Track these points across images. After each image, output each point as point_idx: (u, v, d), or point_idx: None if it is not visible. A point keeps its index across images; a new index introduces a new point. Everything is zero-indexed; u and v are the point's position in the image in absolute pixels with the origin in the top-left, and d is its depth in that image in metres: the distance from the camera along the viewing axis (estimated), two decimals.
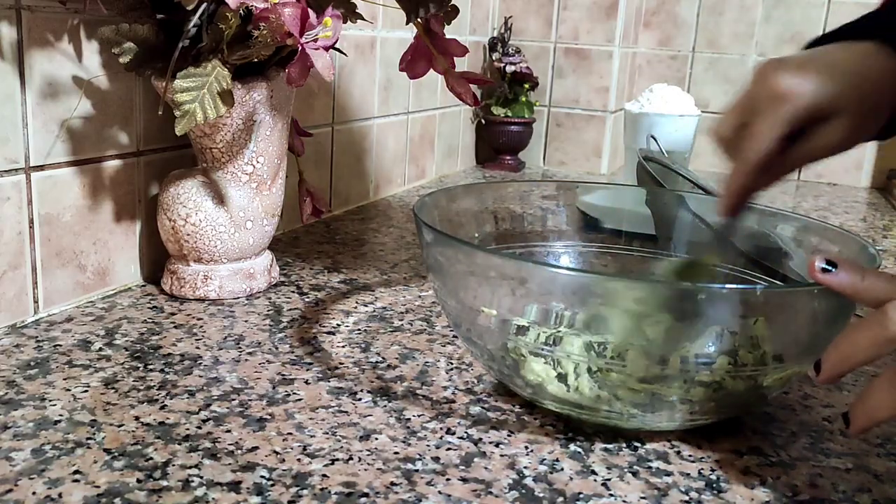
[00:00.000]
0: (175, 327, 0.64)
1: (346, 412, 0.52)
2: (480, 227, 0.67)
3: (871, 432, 0.53)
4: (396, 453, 0.47)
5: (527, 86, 1.45)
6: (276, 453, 0.46)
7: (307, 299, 0.73)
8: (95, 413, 0.49)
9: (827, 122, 0.49)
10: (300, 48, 0.60)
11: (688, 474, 0.47)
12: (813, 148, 0.50)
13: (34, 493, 0.41)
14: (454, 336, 0.66)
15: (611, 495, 0.44)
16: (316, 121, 0.98)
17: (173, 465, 0.44)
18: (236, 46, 0.62)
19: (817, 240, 0.60)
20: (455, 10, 0.66)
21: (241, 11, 0.60)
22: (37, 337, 0.60)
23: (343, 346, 0.63)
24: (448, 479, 0.44)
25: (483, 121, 1.47)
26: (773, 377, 0.49)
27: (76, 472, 0.43)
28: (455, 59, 0.67)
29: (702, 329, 0.50)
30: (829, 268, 0.43)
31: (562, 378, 0.49)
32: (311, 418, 0.50)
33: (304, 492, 0.42)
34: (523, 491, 0.44)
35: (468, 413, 0.53)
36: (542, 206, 0.72)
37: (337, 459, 0.46)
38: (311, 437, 0.48)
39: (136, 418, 0.49)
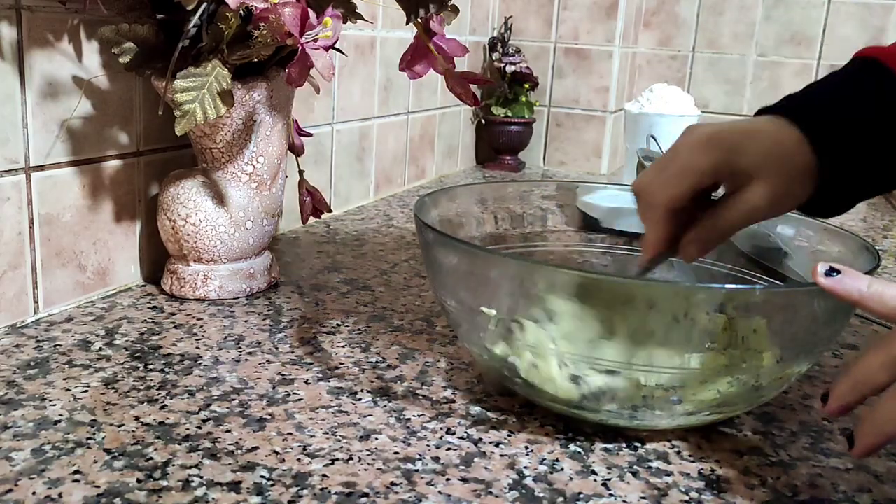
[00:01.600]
0: (175, 327, 0.64)
1: (346, 412, 0.52)
2: (480, 227, 0.67)
3: None
4: (396, 453, 0.47)
5: (527, 86, 1.45)
6: (276, 453, 0.46)
7: (307, 299, 0.73)
8: (95, 413, 0.49)
9: (747, 186, 0.50)
10: (300, 48, 0.60)
11: (688, 474, 0.47)
12: (736, 211, 0.51)
13: (34, 493, 0.41)
14: (454, 336, 0.66)
15: (611, 495, 0.44)
16: (316, 121, 0.98)
17: (173, 465, 0.44)
18: (236, 46, 0.62)
19: (817, 240, 0.60)
20: (455, 10, 0.66)
21: (241, 11, 0.60)
22: (37, 337, 0.61)
23: (343, 346, 0.63)
24: (448, 479, 0.44)
25: (483, 121, 1.47)
26: (772, 377, 0.49)
27: (76, 472, 0.43)
28: (455, 59, 0.67)
29: (701, 328, 0.50)
30: (833, 273, 0.43)
31: (562, 377, 0.49)
32: (311, 418, 0.50)
33: (304, 492, 0.42)
34: (523, 491, 0.44)
35: (468, 413, 0.53)
36: (542, 206, 0.72)
37: (337, 459, 0.46)
38: (311, 437, 0.48)
39: (136, 418, 0.49)
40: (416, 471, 0.45)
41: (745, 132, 0.51)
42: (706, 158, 0.50)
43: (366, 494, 0.42)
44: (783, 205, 0.52)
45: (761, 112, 0.54)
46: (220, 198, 0.69)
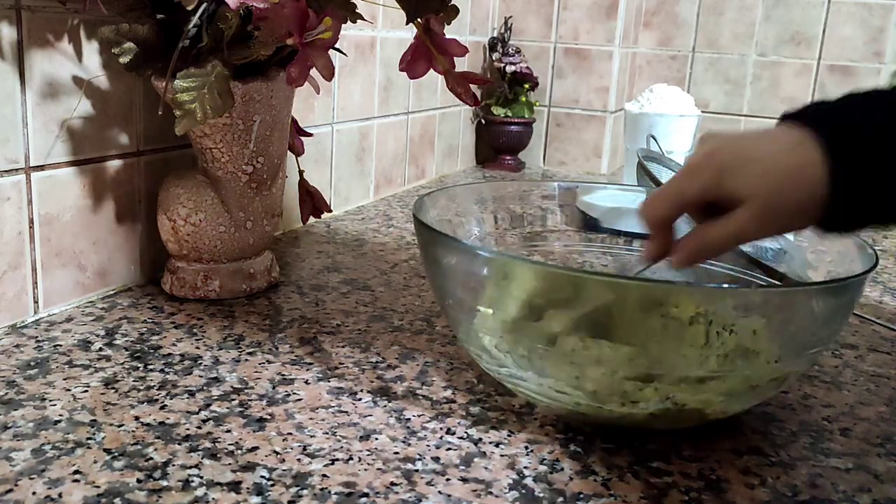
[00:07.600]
0: (175, 327, 0.64)
1: (346, 412, 0.52)
2: (480, 226, 0.67)
3: (871, 432, 0.53)
4: (396, 453, 0.47)
5: (527, 86, 1.45)
6: (276, 453, 0.46)
7: (307, 299, 0.73)
8: (95, 413, 0.49)
9: (737, 208, 0.47)
10: (300, 48, 0.60)
11: (688, 474, 0.47)
12: (723, 230, 0.48)
13: (34, 493, 0.41)
14: (454, 336, 0.66)
15: (611, 495, 0.44)
16: (316, 121, 0.98)
17: (173, 465, 0.44)
18: (236, 46, 0.62)
19: (817, 240, 0.60)
20: (455, 10, 0.66)
21: (241, 11, 0.60)
22: (37, 337, 0.61)
23: (343, 346, 0.63)
24: (448, 479, 0.44)
25: (483, 121, 1.47)
26: (770, 377, 0.49)
27: (76, 472, 0.43)
28: (455, 59, 0.67)
29: (700, 328, 0.50)
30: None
31: (561, 376, 0.49)
32: (311, 418, 0.50)
33: (304, 492, 0.42)
34: (523, 491, 0.44)
35: (468, 413, 0.53)
36: (542, 206, 0.72)
37: (337, 459, 0.46)
38: (311, 437, 0.48)
39: (136, 418, 0.49)
40: (416, 471, 0.45)
41: (743, 154, 0.48)
42: (695, 183, 0.48)
43: (366, 494, 0.42)
44: (775, 229, 0.49)
45: (785, 117, 0.49)
46: (220, 198, 0.69)
